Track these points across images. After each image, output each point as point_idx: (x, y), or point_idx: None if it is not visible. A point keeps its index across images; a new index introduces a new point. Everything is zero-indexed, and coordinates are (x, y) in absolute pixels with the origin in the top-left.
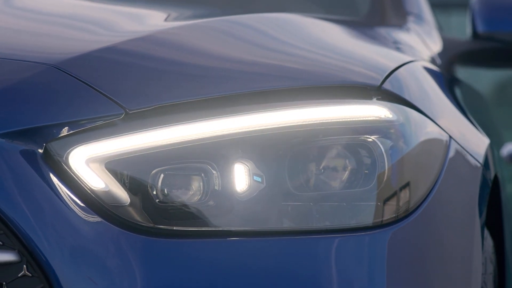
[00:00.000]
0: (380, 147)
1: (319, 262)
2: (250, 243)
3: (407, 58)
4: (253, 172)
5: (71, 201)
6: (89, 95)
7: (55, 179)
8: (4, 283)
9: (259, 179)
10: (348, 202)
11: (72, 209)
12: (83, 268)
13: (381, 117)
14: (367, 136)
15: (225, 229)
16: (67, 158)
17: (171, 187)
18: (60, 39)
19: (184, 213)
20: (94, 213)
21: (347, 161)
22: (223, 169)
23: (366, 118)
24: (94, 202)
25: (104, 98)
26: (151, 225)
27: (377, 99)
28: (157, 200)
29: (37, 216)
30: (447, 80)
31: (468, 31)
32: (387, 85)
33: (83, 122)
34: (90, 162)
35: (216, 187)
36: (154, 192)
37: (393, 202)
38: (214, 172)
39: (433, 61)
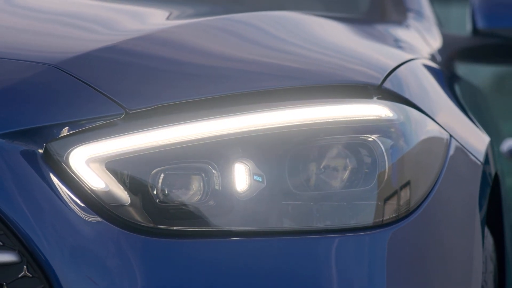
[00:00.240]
0: (380, 147)
1: (319, 262)
2: (250, 243)
3: (408, 56)
4: (254, 172)
5: (71, 201)
6: (89, 95)
7: (55, 179)
8: (4, 283)
9: (260, 179)
10: (349, 201)
11: (72, 209)
12: (83, 268)
13: (381, 116)
14: (368, 135)
15: (225, 229)
16: (67, 158)
17: (171, 187)
18: (61, 38)
19: (185, 213)
20: (94, 213)
21: (347, 161)
22: (224, 169)
23: (367, 118)
24: (94, 202)
25: (105, 98)
26: (152, 225)
27: (378, 98)
28: (157, 200)
29: (37, 217)
30: (447, 77)
31: (468, 27)
32: (387, 84)
33: (83, 122)
34: (90, 162)
35: (217, 187)
36: (155, 192)
37: (393, 202)
38: (214, 172)
39: (433, 58)
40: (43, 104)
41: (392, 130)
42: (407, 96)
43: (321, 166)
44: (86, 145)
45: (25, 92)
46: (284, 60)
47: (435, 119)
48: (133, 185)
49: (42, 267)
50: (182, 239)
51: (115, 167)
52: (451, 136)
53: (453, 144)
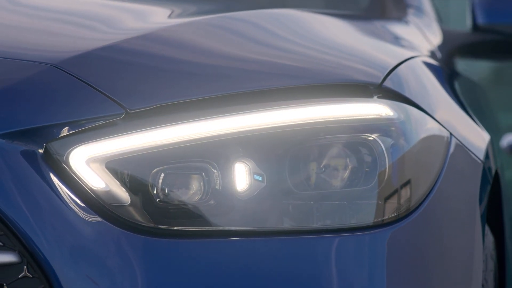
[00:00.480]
0: (381, 146)
1: (319, 262)
2: (250, 243)
3: (408, 54)
4: (254, 171)
5: (72, 201)
6: (89, 94)
7: (55, 179)
8: (4, 284)
9: (260, 178)
10: (349, 201)
11: (73, 209)
12: (84, 268)
13: (381, 115)
14: (368, 134)
15: (225, 229)
16: (67, 158)
17: (171, 186)
18: (61, 37)
19: (185, 213)
20: (95, 213)
21: (347, 160)
22: (224, 168)
23: (367, 117)
24: (95, 202)
25: (105, 98)
26: (152, 225)
27: (378, 97)
28: (157, 200)
29: (37, 217)
30: (447, 74)
31: (468, 23)
32: (388, 83)
33: (83, 122)
34: (90, 162)
35: (217, 187)
36: (155, 192)
37: (394, 201)
38: (214, 171)
39: (433, 55)
40: (43, 104)
41: (393, 129)
42: (407, 94)
43: (322, 165)
44: (86, 145)
45: (25, 92)
46: (284, 59)
47: (436, 117)
48: (133, 184)
49: (42, 267)
50: (182, 239)
51: (115, 166)
52: (451, 134)
53: (454, 142)
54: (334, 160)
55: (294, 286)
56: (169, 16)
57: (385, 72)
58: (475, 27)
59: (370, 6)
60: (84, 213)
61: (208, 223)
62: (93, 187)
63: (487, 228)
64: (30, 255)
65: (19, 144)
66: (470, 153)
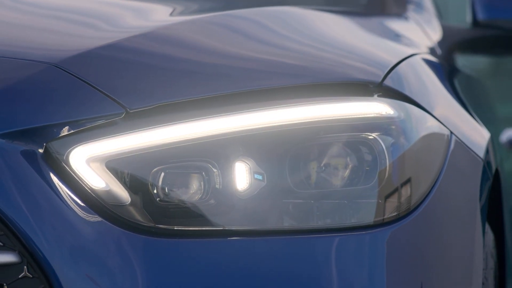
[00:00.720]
0: (381, 144)
1: (320, 261)
2: (251, 243)
3: (408, 52)
4: (254, 171)
5: (72, 201)
6: (89, 94)
7: (55, 179)
8: (4, 284)
9: (260, 177)
10: (350, 200)
11: (73, 209)
12: (84, 268)
13: (382, 114)
14: (368, 133)
15: (226, 228)
16: (67, 158)
17: (171, 185)
18: (61, 35)
19: (185, 212)
20: (95, 213)
21: (348, 159)
22: (224, 168)
23: (367, 115)
24: (95, 202)
25: (105, 98)
26: (152, 224)
27: (378, 95)
28: (157, 199)
29: (38, 217)
30: (447, 71)
31: (468, 18)
32: (388, 82)
33: (83, 121)
34: (90, 162)
35: (217, 186)
36: (155, 191)
37: (394, 200)
38: (215, 170)
39: (433, 51)
40: (43, 103)
41: (393, 127)
42: (407, 93)
43: (322, 164)
44: (86, 144)
45: (25, 92)
46: (285, 57)
47: (436, 115)
48: (134, 184)
49: (42, 267)
50: (183, 238)
51: (116, 166)
52: (451, 132)
53: (454, 140)
54: (334, 159)
55: (294, 285)
56: (171, 14)
57: (386, 71)
58: (475, 22)
59: (370, 2)
60: (84, 213)
61: (208, 222)
62: (93, 187)
63: (487, 226)
64: (30, 255)
65: (19, 144)
66: (470, 151)
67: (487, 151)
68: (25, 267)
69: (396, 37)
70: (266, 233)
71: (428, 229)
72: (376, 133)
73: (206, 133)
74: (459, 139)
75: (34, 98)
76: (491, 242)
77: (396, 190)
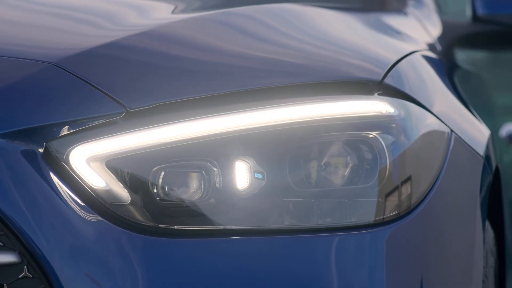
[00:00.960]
0: (381, 143)
1: (320, 260)
2: (251, 242)
3: (408, 49)
4: (254, 169)
5: (72, 201)
6: (89, 93)
7: (55, 179)
8: (4, 284)
9: (260, 176)
10: (350, 198)
11: (73, 209)
12: (84, 268)
13: (382, 113)
14: (369, 132)
15: (226, 228)
16: (67, 157)
17: (172, 185)
18: (62, 33)
19: (185, 211)
20: (95, 212)
21: (348, 158)
22: (224, 167)
23: (367, 114)
24: (95, 201)
25: (105, 97)
26: (152, 224)
27: (378, 94)
28: (158, 198)
29: (38, 216)
30: (447, 68)
31: (468, 13)
32: (388, 80)
33: (83, 121)
34: (90, 161)
35: (217, 185)
36: (155, 190)
37: (394, 199)
38: (215, 169)
39: (433, 47)
40: (43, 103)
41: (393, 126)
42: (407, 91)
43: (322, 163)
44: (86, 143)
45: (25, 91)
46: (285, 56)
47: (436, 113)
48: (134, 183)
49: (42, 267)
50: (183, 238)
51: (116, 165)
52: (451, 130)
53: (454, 138)
54: (334, 158)
55: (294, 284)
56: (172, 12)
57: (386, 69)
58: (475, 17)
59: None
60: (84, 213)
61: (208, 222)
62: (93, 186)
63: (487, 223)
64: (30, 255)
65: (19, 144)
66: (470, 148)
67: (487, 149)
68: (25, 267)
69: (396, 33)
70: (267, 233)
71: (428, 228)
72: (377, 132)
73: (206, 132)
74: (459, 136)
75: (34, 98)
76: (491, 240)
77: (396, 188)
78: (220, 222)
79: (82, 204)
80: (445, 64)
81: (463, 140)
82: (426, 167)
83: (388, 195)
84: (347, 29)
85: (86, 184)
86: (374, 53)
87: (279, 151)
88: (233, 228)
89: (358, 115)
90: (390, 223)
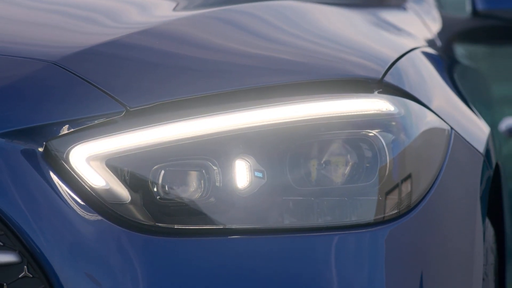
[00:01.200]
0: (381, 141)
1: (320, 259)
2: (251, 241)
3: (408, 45)
4: (254, 168)
5: (72, 200)
6: (89, 92)
7: (55, 178)
8: (4, 284)
9: (260, 175)
10: (350, 197)
11: (73, 208)
12: (84, 267)
13: (382, 111)
14: (369, 130)
15: (226, 227)
16: (67, 157)
17: (172, 183)
18: (62, 31)
19: (185, 210)
20: (95, 211)
21: (348, 156)
22: (224, 165)
23: (367, 112)
24: (95, 201)
25: (105, 96)
26: (152, 223)
27: (378, 92)
28: (158, 197)
29: (38, 216)
30: (447, 64)
31: (468, 8)
32: (388, 78)
33: (83, 120)
34: (90, 160)
35: (217, 184)
36: (155, 189)
37: (394, 197)
38: (215, 168)
39: (433, 43)
40: (42, 102)
41: (393, 124)
42: (407, 89)
43: (322, 162)
44: (86, 143)
45: (25, 90)
46: (285, 54)
47: (436, 111)
48: (134, 182)
49: (42, 267)
50: (183, 237)
51: (116, 164)
52: (452, 128)
53: (454, 136)
54: (334, 156)
55: (294, 283)
56: (174, 9)
57: (386, 67)
58: (475, 12)
59: None
60: (84, 212)
61: (208, 221)
62: (93, 185)
63: (487, 221)
64: (30, 255)
65: (19, 143)
66: (470, 146)
67: (487, 146)
68: (25, 266)
69: (395, 30)
70: (267, 232)
71: (428, 226)
72: (377, 130)
73: (206, 131)
74: (460, 134)
75: (34, 97)
76: (491, 237)
77: (396, 187)
78: (220, 221)
79: (82, 203)
80: (445, 60)
81: (463, 138)
82: (426, 165)
83: (388, 193)
84: (347, 26)
85: (86, 183)
86: (374, 51)
87: (279, 150)
88: (233, 227)
89: (358, 113)
90: (390, 222)
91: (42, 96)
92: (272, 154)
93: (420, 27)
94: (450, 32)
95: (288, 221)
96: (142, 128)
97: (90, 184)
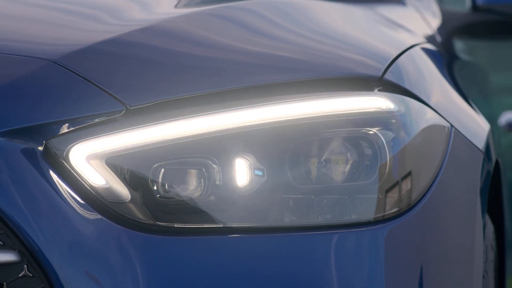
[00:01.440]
0: (381, 139)
1: (320, 258)
2: (251, 240)
3: (408, 42)
4: (254, 166)
5: (72, 199)
6: (89, 91)
7: (55, 177)
8: (4, 283)
9: (260, 173)
10: (350, 195)
11: (73, 207)
12: (84, 266)
13: (382, 108)
14: (369, 128)
15: (226, 225)
16: (67, 155)
17: (172, 182)
18: (62, 28)
19: (185, 209)
20: (95, 210)
21: (348, 154)
22: (224, 164)
23: (367, 110)
24: (95, 199)
25: (105, 95)
26: (152, 222)
27: (378, 90)
28: (158, 196)
29: (37, 215)
30: (447, 60)
31: (468, 3)
32: (388, 76)
33: (83, 118)
34: (90, 159)
35: (217, 182)
36: (155, 188)
37: (395, 195)
38: (215, 166)
39: (432, 39)
40: (42, 101)
41: (393, 121)
42: (407, 86)
43: (322, 160)
44: (86, 141)
45: (24, 89)
46: (285, 51)
47: (436, 109)
48: (134, 180)
49: (42, 266)
50: (183, 236)
51: (116, 163)
52: (451, 125)
53: (454, 134)
54: (334, 154)
55: (294, 282)
56: (175, 6)
57: (386, 64)
58: (475, 7)
59: None
60: (84, 211)
61: (208, 219)
62: (93, 184)
63: (487, 217)
64: (30, 254)
65: (19, 142)
66: (470, 143)
67: (487, 143)
68: (25, 266)
69: (395, 26)
70: (267, 230)
71: (428, 224)
72: (377, 128)
73: (206, 129)
74: (459, 131)
75: (33, 96)
76: (491, 234)
77: (396, 185)
78: (220, 219)
79: (82, 202)
80: (445, 57)
81: (463, 135)
82: (427, 163)
83: (388, 191)
84: (347, 22)
85: (86, 182)
86: (374, 48)
87: (279, 148)
88: (233, 225)
89: (358, 111)
90: (391, 220)
91: (41, 94)
92: (272, 152)
93: (419, 22)
94: (450, 27)
95: (288, 219)
96: (142, 126)
97: (90, 182)
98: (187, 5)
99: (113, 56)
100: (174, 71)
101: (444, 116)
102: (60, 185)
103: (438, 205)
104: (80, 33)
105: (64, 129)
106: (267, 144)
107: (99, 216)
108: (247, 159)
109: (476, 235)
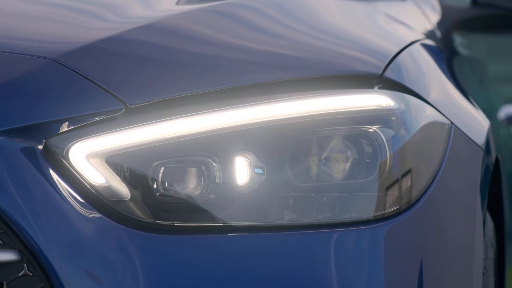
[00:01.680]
0: (381, 137)
1: (320, 256)
2: (251, 238)
3: (408, 39)
4: (254, 165)
5: (71, 198)
6: (89, 89)
7: (55, 176)
8: (4, 282)
9: (260, 171)
10: (350, 193)
11: (72, 206)
12: (84, 265)
13: (382, 106)
14: (369, 126)
15: (226, 224)
16: (67, 154)
17: (171, 180)
18: (62, 26)
19: (185, 207)
20: (94, 209)
21: (348, 152)
22: (224, 162)
23: (367, 108)
24: (95, 198)
25: (105, 93)
26: (152, 220)
27: (379, 87)
28: (157, 194)
29: (37, 214)
30: (446, 56)
31: None
32: (388, 73)
33: (83, 117)
34: (90, 157)
35: (217, 180)
36: (155, 186)
37: (395, 193)
38: (215, 165)
39: (432, 35)
40: (41, 100)
41: (393, 119)
42: (407, 84)
43: (322, 158)
44: (86, 140)
45: (23, 88)
46: (285, 49)
47: (436, 106)
48: (133, 179)
49: (42, 265)
50: (183, 235)
51: (116, 161)
52: (451, 122)
53: (454, 130)
54: (334, 152)
55: (294, 280)
56: (176, 3)
57: (386, 62)
58: (474, 1)
59: None
60: (84, 209)
61: (208, 218)
62: (93, 183)
63: (487, 214)
64: (30, 253)
65: (18, 141)
66: (470, 140)
67: (487, 140)
68: (25, 265)
69: (395, 22)
70: (267, 229)
71: (428, 222)
72: (377, 126)
73: (206, 127)
74: (459, 128)
75: (33, 94)
76: (491, 231)
77: (396, 182)
78: (220, 218)
79: (82, 201)
80: (444, 52)
81: (463, 132)
82: (427, 160)
83: (388, 189)
84: (347, 19)
85: (85, 180)
86: (374, 45)
87: (279, 146)
88: (233, 224)
89: (358, 109)
90: (391, 218)
91: (41, 93)
92: (272, 150)
93: (419, 17)
94: (450, 21)
95: (288, 217)
96: (142, 125)
97: (90, 181)
98: (188, 2)
99: (113, 54)
100: (174, 70)
101: (444, 113)
102: (60, 184)
103: (438, 203)
104: (80, 30)
105: (64, 127)
106: (267, 142)
107: (99, 215)
108: (247, 157)
109: (476, 233)
